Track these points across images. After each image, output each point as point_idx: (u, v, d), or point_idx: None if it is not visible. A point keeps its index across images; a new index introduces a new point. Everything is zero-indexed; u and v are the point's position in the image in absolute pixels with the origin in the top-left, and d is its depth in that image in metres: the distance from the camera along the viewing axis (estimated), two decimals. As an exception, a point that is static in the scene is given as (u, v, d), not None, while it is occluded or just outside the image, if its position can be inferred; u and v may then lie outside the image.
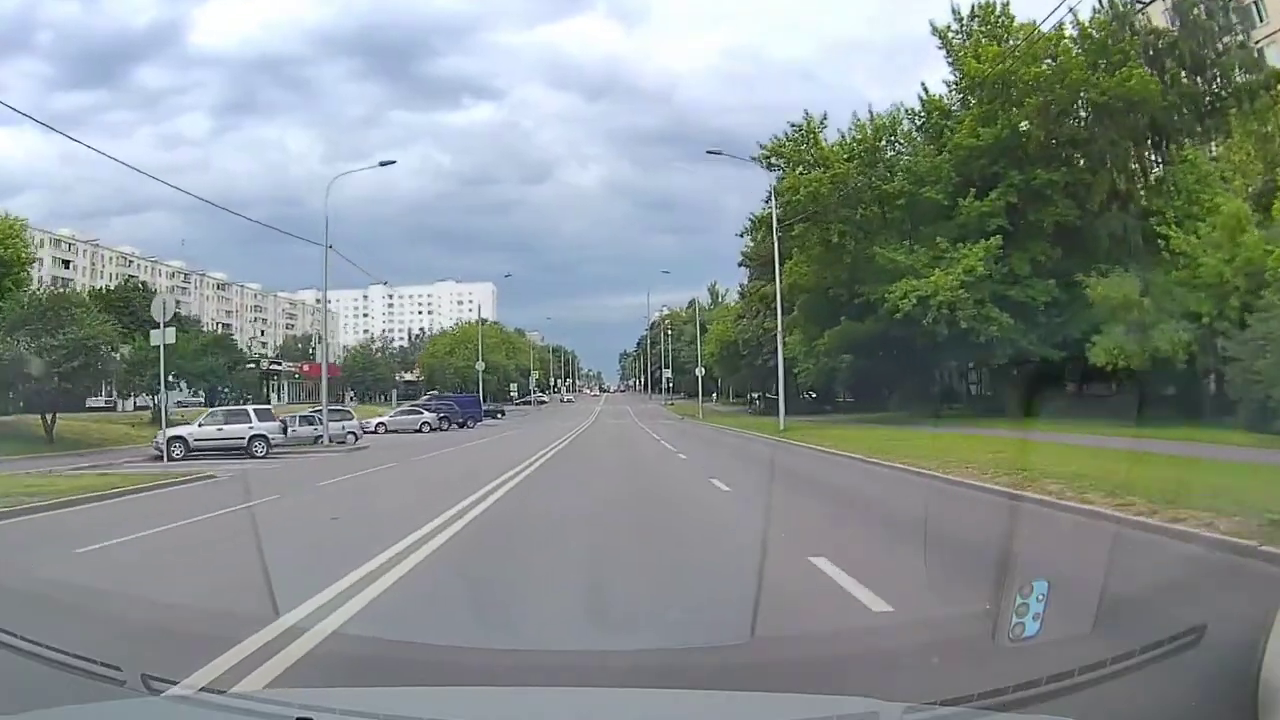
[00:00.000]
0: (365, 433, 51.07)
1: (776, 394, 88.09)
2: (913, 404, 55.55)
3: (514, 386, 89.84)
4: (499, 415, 77.07)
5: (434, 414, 53.86)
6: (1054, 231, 42.89)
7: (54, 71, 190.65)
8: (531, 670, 5.03)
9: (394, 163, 35.19)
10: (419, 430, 51.91)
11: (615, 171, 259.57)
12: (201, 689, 4.52)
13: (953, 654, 5.19)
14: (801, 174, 41.19)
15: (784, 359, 62.21)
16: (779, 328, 39.48)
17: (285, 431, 32.93)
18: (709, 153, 40.41)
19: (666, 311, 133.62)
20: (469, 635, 6.15)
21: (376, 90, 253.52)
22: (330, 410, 40.31)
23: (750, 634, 5.54)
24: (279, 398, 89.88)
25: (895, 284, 38.68)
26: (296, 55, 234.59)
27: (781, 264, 42.33)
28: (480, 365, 66.82)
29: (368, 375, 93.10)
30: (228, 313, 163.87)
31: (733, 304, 77.47)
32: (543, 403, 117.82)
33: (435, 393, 76.70)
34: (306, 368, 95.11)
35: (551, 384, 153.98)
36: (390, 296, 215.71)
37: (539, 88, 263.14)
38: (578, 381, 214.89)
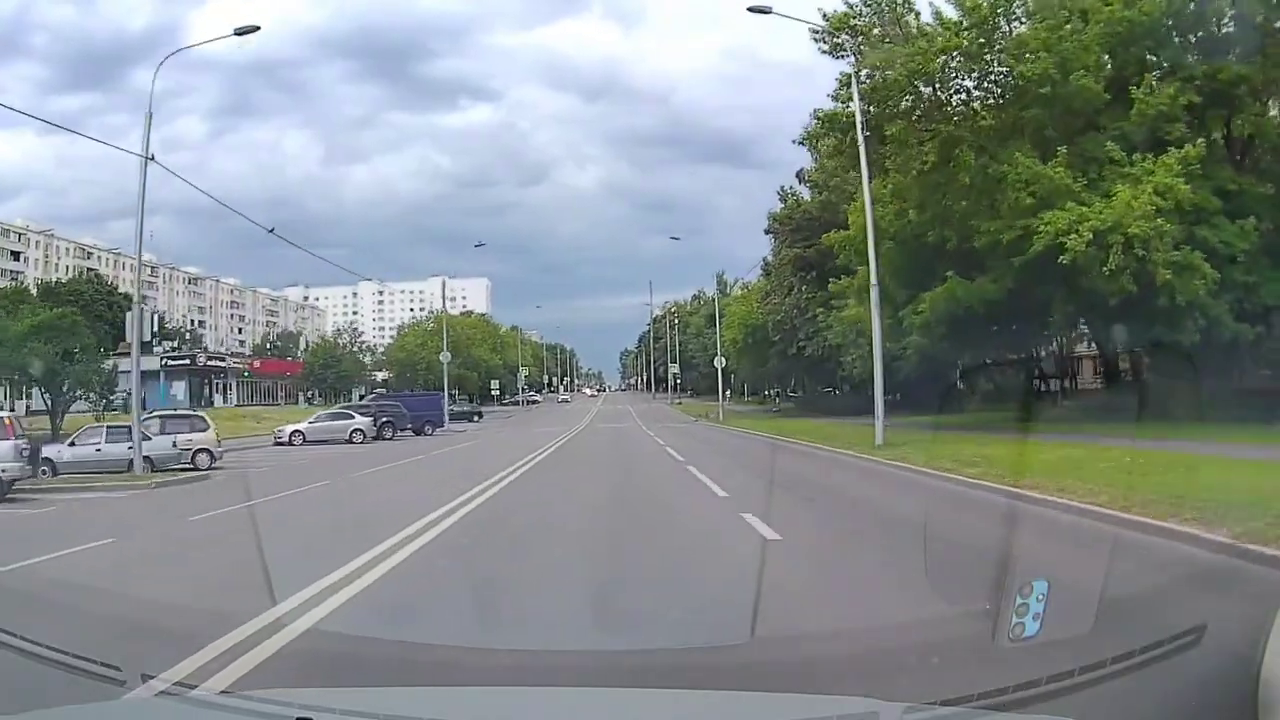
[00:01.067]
0: (277, 443, 36.99)
1: (797, 388, 73.09)
2: (999, 401, 41.53)
3: (497, 384, 74.59)
4: (475, 418, 62.77)
5: (370, 418, 39.40)
6: (1242, 150, 29.07)
7: (49, 74, 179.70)
8: (531, 670, 4.87)
9: (257, 29, 20.29)
10: (349, 440, 37.58)
11: (613, 173, 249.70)
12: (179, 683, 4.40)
13: (952, 654, 4.92)
14: (890, 47, 26.51)
15: (833, 344, 47.83)
16: (872, 276, 24.20)
17: (31, 457, 18.49)
18: (750, 10, 24.80)
19: (673, 304, 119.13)
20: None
21: (375, 91, 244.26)
22: (168, 417, 26.06)
23: (750, 634, 5.29)
24: (224, 399, 75.54)
25: (1048, 214, 24.19)
26: (293, 58, 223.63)
27: (852, 196, 27.77)
28: (445, 356, 52.44)
29: (329, 373, 78.60)
30: (200, 309, 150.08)
31: (755, 283, 62.55)
32: (534, 402, 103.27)
33: (382, 390, 62.54)
34: (258, 364, 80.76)
35: (547, 382, 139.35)
36: (380, 293, 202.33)
37: (536, 89, 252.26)
38: (576, 381, 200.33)
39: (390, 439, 40.36)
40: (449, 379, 79.53)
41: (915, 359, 44.05)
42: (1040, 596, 4.29)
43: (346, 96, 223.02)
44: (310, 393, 76.10)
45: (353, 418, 38.85)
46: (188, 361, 70.24)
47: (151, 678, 3.90)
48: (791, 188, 56.29)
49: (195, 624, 6.05)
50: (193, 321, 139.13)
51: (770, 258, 62.10)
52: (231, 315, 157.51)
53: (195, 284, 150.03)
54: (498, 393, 76.51)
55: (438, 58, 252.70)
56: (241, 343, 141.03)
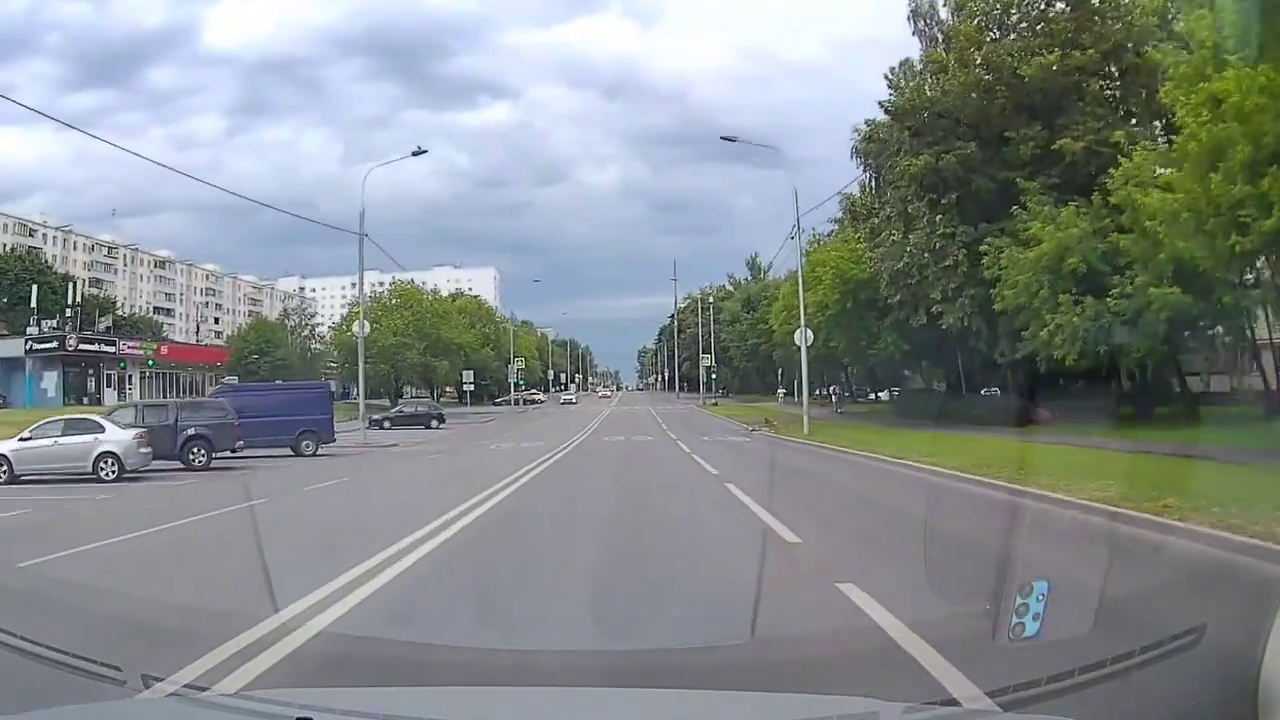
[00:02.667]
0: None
1: (851, 383, 50.12)
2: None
3: (468, 376, 53.59)
4: (432, 423, 43.25)
5: (141, 431, 19.60)
6: None
7: (64, 72, 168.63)
8: (531, 670, 4.63)
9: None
10: (95, 474, 18.02)
11: (629, 172, 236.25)
12: (189, 686, 4.21)
13: (953, 654, 4.61)
14: None
15: (1012, 304, 27.53)
16: None
17: None
18: None
19: (705, 288, 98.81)
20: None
21: (392, 90, 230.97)
22: None
23: (750, 634, 5.02)
24: (121, 395, 56.16)
25: None
26: (308, 56, 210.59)
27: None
28: (361, 329, 32.71)
29: (263, 361, 59.24)
30: (168, 295, 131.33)
31: (833, 241, 41.88)
32: (533, 402, 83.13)
33: (230, 381, 43.29)
34: (164, 350, 61.26)
35: (554, 379, 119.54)
36: (381, 284, 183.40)
37: (554, 87, 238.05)
38: (591, 380, 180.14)
39: (202, 466, 20.78)
40: (411, 369, 59.82)
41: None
42: (1040, 596, 4.16)
43: (363, 95, 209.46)
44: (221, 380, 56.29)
45: (101, 430, 18.95)
46: (54, 345, 50.97)
47: (152, 677, 3.74)
48: (898, 70, 36.19)
49: None
50: (154, 309, 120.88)
51: (855, 193, 42.15)
52: (206, 304, 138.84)
53: (163, 268, 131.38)
54: (471, 387, 55.81)
55: (455, 56, 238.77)
56: (218, 334, 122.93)
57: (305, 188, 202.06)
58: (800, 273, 29.82)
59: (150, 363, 57.73)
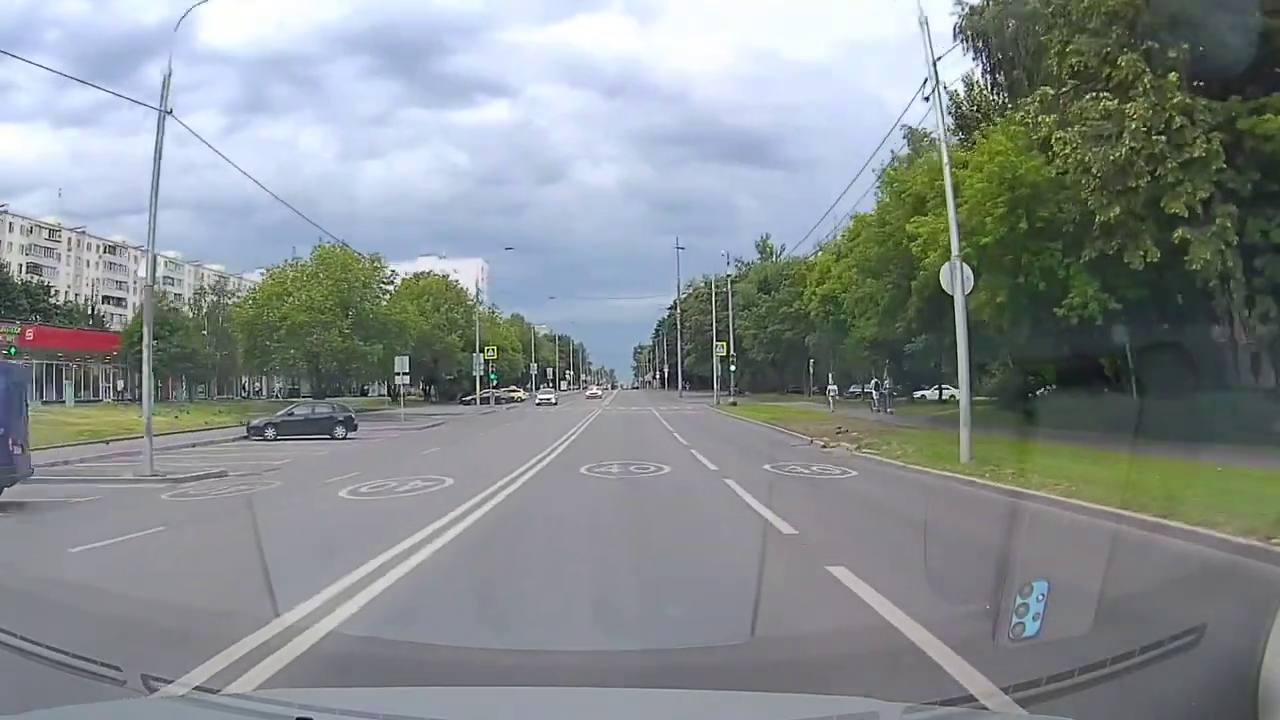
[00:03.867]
0: None
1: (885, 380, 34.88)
2: None
3: (403, 363, 38.89)
4: (337, 431, 29.37)
5: None
6: None
7: (63, 68, 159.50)
8: (531, 670, 4.48)
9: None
10: None
11: (630, 172, 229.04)
12: (198, 688, 4.05)
13: (953, 654, 4.46)
14: None
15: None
16: None
17: None
18: None
19: (721, 261, 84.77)
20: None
21: (391, 88, 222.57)
22: None
23: (750, 634, 4.84)
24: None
25: None
26: (309, 54, 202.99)
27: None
28: (149, 270, 18.68)
29: (158, 348, 45.19)
30: (119, 284, 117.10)
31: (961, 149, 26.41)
32: (512, 401, 68.81)
33: None
34: (30, 334, 46.97)
35: (539, 374, 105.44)
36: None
37: (554, 86, 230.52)
38: (584, 378, 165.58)
39: None
40: (333, 356, 45.57)
41: None
42: (1040, 596, 4.04)
43: (362, 93, 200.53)
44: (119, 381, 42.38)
45: None
46: None
47: (152, 678, 3.64)
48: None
49: None
50: (103, 299, 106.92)
51: (963, 86, 28.42)
52: (164, 294, 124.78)
53: (113, 253, 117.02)
54: (406, 379, 40.73)
55: (454, 54, 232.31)
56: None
57: (307, 185, 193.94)
58: (945, 158, 15.49)
59: (11, 350, 43.67)
